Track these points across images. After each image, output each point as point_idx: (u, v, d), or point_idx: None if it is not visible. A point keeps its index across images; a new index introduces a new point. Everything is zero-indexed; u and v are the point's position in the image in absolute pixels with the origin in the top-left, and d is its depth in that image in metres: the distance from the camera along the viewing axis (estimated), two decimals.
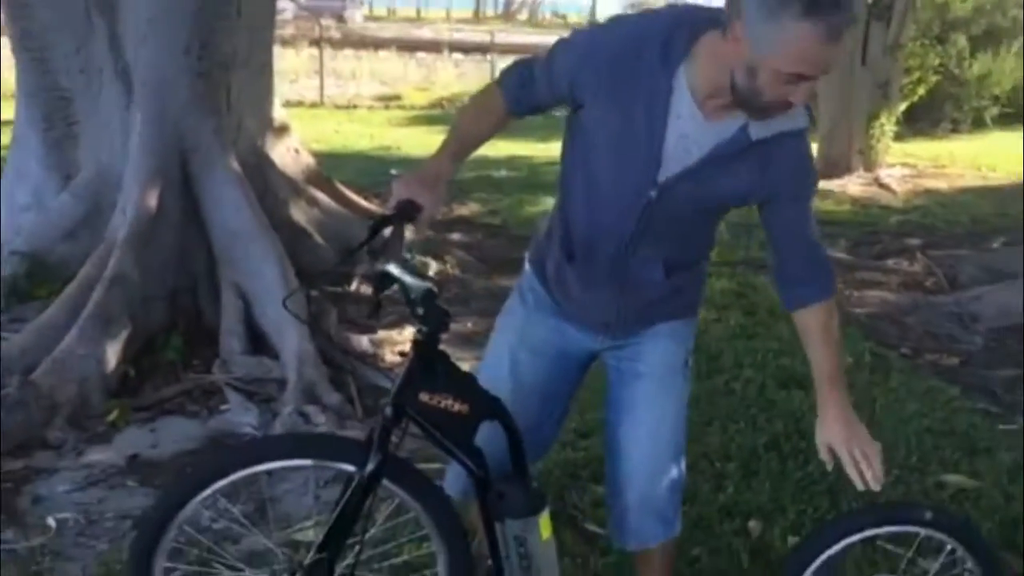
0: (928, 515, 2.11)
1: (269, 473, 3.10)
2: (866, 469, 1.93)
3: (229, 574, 2.30)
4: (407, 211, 1.83)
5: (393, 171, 2.33)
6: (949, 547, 2.09)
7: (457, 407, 1.89)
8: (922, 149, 11.52)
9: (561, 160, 2.08)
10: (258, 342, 4.17)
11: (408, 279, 1.78)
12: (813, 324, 1.99)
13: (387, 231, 1.82)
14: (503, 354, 2.20)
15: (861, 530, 2.11)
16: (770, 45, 1.66)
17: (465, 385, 1.93)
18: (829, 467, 1.98)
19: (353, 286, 5.13)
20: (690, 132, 1.87)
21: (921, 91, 11.38)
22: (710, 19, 1.81)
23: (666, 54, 1.82)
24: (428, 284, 1.79)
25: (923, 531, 2.13)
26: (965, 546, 2.12)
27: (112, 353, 3.81)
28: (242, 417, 3.67)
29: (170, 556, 2.01)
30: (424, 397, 1.89)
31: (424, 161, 2.01)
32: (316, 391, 3.79)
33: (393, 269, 1.79)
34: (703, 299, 2.25)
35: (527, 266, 2.25)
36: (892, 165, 10.21)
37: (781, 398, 3.93)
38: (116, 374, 3.82)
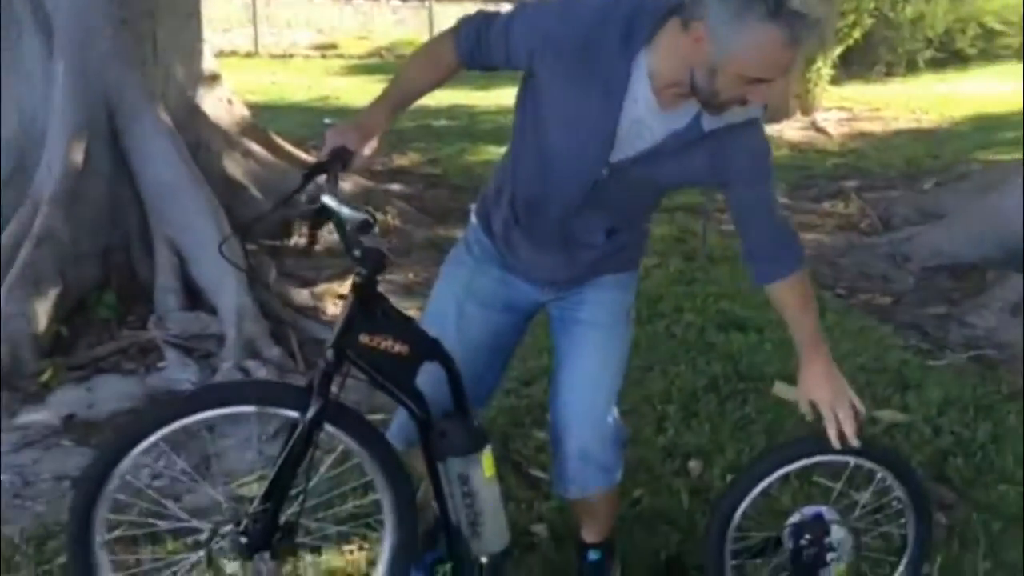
0: (857, 444, 2.18)
1: (211, 428, 3.10)
2: (847, 428, 2.01)
3: (173, 526, 2.29)
4: (341, 157, 1.85)
5: (327, 120, 2.30)
6: (879, 476, 2.15)
7: (397, 348, 1.90)
8: (857, 93, 11.66)
9: (514, 120, 2.06)
10: (195, 298, 4.10)
11: (344, 210, 1.79)
12: (787, 296, 2.04)
13: (321, 179, 1.84)
14: (448, 305, 2.21)
15: (793, 461, 2.17)
16: (732, 47, 1.68)
17: (405, 327, 1.93)
18: (810, 419, 2.06)
19: (292, 240, 5.07)
20: (644, 118, 1.89)
21: (856, 34, 11.48)
22: (672, 8, 1.80)
23: (627, 39, 1.83)
24: (364, 215, 1.79)
25: (852, 460, 2.19)
26: (894, 474, 2.19)
27: (43, 312, 3.73)
28: (180, 374, 3.62)
29: (113, 511, 1.99)
30: (364, 339, 1.89)
31: (361, 110, 2.01)
32: (256, 346, 3.75)
33: (329, 200, 1.79)
34: (644, 253, 2.27)
35: (473, 219, 2.25)
36: (828, 109, 10.32)
37: (720, 341, 3.99)
38: (48, 333, 3.74)
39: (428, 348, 1.96)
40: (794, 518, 2.22)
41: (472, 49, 2.01)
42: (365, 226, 1.79)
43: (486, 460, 1.99)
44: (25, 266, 3.77)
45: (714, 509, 2.23)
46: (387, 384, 1.94)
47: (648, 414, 3.34)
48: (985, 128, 9.46)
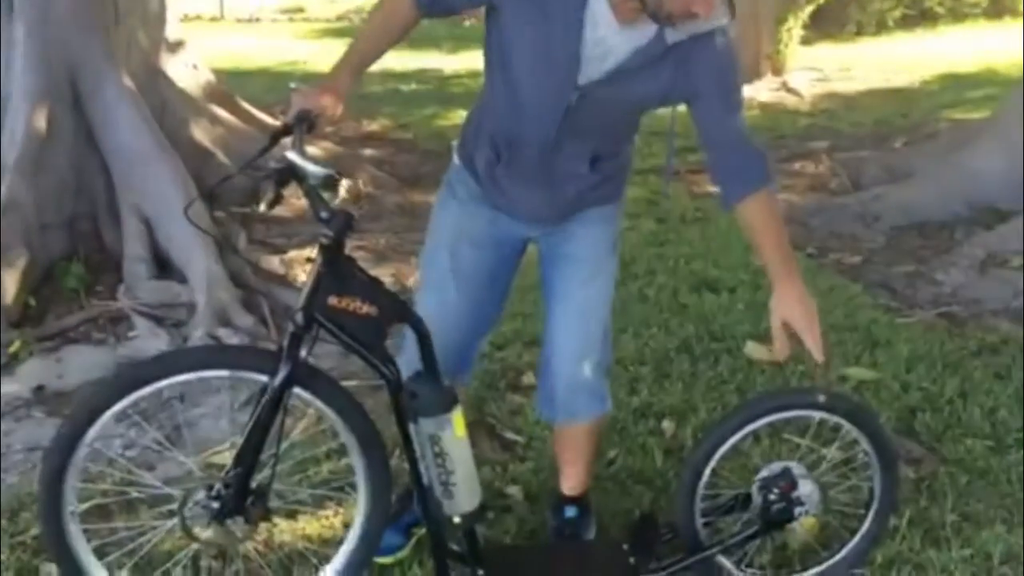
0: (821, 398, 2.21)
1: (182, 398, 3.09)
2: (819, 346, 2.04)
3: (146, 494, 2.29)
4: (307, 119, 1.87)
5: (293, 84, 2.27)
6: (845, 430, 2.18)
7: (366, 310, 1.90)
8: (828, 53, 11.66)
9: (484, 59, 2.08)
10: (164, 266, 4.06)
11: (309, 166, 1.78)
12: (756, 216, 2.02)
13: (288, 141, 1.84)
14: (442, 251, 2.25)
15: (760, 417, 2.20)
16: None
17: (373, 288, 1.94)
18: (778, 346, 2.05)
19: (261, 207, 5.01)
20: (606, 37, 1.88)
21: None
22: None
23: None
24: (329, 171, 1.78)
25: (818, 414, 2.23)
26: (859, 428, 2.22)
27: (10, 283, 3.67)
28: (151, 343, 3.59)
29: (84, 480, 1.98)
30: (333, 301, 1.89)
31: (326, 74, 2.02)
32: (227, 314, 3.72)
33: (294, 156, 1.79)
34: (629, 178, 2.30)
35: (456, 160, 2.26)
36: (799, 70, 10.32)
37: (693, 302, 4.01)
38: (16, 304, 3.69)
39: (397, 309, 1.97)
40: (762, 473, 2.25)
41: None
42: (330, 182, 1.79)
43: (457, 420, 2.00)
44: None
45: (683, 467, 2.26)
46: (356, 346, 1.94)
47: (621, 375, 3.35)
48: (954, 87, 9.50)
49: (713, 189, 6.14)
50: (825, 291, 4.17)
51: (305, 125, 1.88)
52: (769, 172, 2.04)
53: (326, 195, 1.84)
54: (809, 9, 10.55)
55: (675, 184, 5.99)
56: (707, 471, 2.20)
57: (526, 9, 1.90)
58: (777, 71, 9.97)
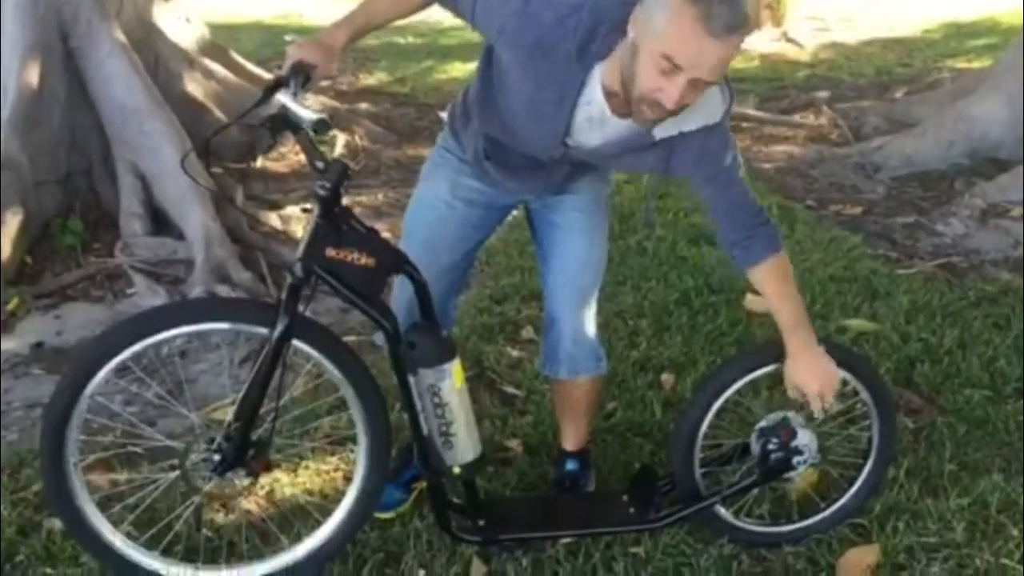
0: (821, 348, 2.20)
1: (183, 353, 3.09)
2: (828, 403, 2.07)
3: (147, 446, 2.30)
4: (302, 72, 1.86)
5: (288, 37, 2.24)
6: (842, 378, 2.19)
7: (364, 260, 1.90)
8: (829, 2, 11.50)
9: (481, 58, 2.03)
10: (161, 222, 4.04)
11: (301, 111, 1.77)
12: (767, 279, 2.03)
13: (281, 93, 1.83)
14: (434, 202, 2.23)
15: (758, 367, 2.20)
16: (652, 22, 1.66)
17: (370, 239, 1.93)
18: (815, 408, 2.09)
19: (258, 162, 4.98)
20: (596, 117, 1.90)
21: None
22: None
23: (584, 50, 1.81)
24: (320, 115, 1.77)
25: None
26: (858, 378, 2.23)
27: (6, 240, 3.65)
28: (149, 300, 3.58)
29: (86, 434, 1.99)
30: (331, 252, 1.88)
31: (324, 28, 2.02)
32: (225, 270, 3.70)
33: (285, 100, 1.78)
34: None
35: (447, 130, 2.24)
36: (800, 19, 10.19)
37: (692, 255, 4.00)
38: (13, 262, 3.67)
39: (394, 260, 1.96)
40: (761, 424, 2.26)
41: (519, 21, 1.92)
42: (322, 126, 1.77)
43: (455, 370, 2.01)
44: None
45: (682, 416, 2.27)
46: (354, 297, 1.94)
47: (620, 328, 3.35)
48: (956, 36, 9.40)
49: None
50: (825, 242, 4.16)
51: (301, 77, 1.87)
52: (777, 240, 2.02)
53: (323, 149, 1.83)
54: None
55: None
56: (705, 422, 2.20)
57: (523, 72, 1.88)
58: (777, 21, 9.84)
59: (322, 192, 1.85)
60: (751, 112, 6.55)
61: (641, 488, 2.33)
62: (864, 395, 2.25)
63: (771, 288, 2.04)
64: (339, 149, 5.34)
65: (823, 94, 7.00)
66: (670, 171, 1.96)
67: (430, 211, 2.24)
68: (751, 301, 3.52)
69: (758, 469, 2.26)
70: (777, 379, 2.20)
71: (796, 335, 2.05)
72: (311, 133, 1.79)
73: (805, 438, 2.24)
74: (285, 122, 1.81)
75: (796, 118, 6.47)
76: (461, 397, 2.03)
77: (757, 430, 2.27)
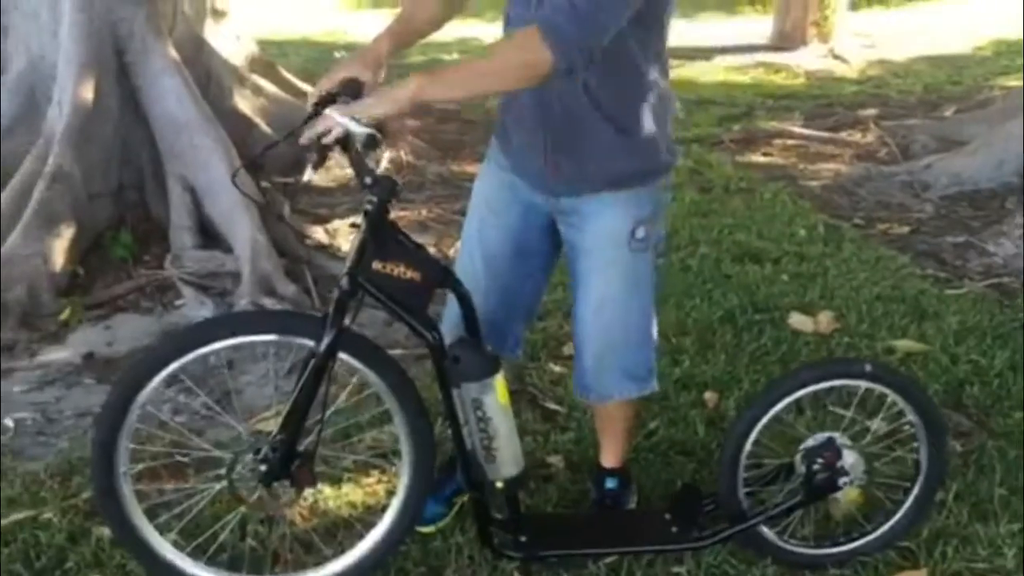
0: (867, 368, 2.18)
1: (230, 364, 3.14)
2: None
3: (195, 457, 2.33)
4: (349, 87, 1.89)
5: (337, 54, 2.29)
6: (890, 400, 2.16)
7: (409, 274, 1.92)
8: (878, 19, 11.40)
9: None
10: (210, 235, 4.10)
11: (351, 125, 1.77)
12: (511, 36, 1.88)
13: (331, 108, 1.84)
14: (473, 219, 2.26)
15: (804, 386, 2.18)
16: None
17: (416, 253, 1.95)
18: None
19: (307, 172, 5.04)
20: None
21: None
22: None
23: None
24: (371, 130, 1.77)
25: (863, 384, 2.20)
26: (905, 398, 2.20)
27: (59, 252, 3.74)
28: (197, 311, 3.64)
29: (135, 443, 2.03)
30: (377, 266, 1.90)
31: (365, 44, 2.04)
32: (271, 283, 3.75)
33: (335, 114, 1.78)
34: (656, 170, 2.12)
35: (493, 137, 2.27)
36: (847, 36, 10.10)
37: (736, 272, 3.97)
38: (65, 273, 3.75)
39: (440, 274, 1.98)
40: (806, 443, 2.23)
41: None
42: (372, 141, 1.78)
43: (499, 385, 2.01)
44: (39, 205, 3.77)
45: (726, 436, 2.25)
46: (400, 311, 1.96)
47: (663, 346, 3.33)
48: (1007, 53, 9.25)
49: (756, 158, 6.07)
50: (872, 261, 4.11)
51: (349, 93, 1.89)
52: (560, 33, 1.73)
53: (370, 163, 1.85)
54: None
55: (719, 154, 5.92)
56: (750, 441, 2.18)
57: None
58: (824, 38, 9.77)
59: (370, 207, 1.87)
60: (797, 129, 6.50)
61: (684, 506, 2.31)
62: (912, 416, 2.22)
63: (500, 42, 1.88)
64: (384, 164, 5.39)
65: (871, 112, 6.93)
66: None
67: (469, 229, 2.27)
68: (796, 321, 3.49)
69: (803, 489, 2.23)
70: (822, 399, 2.18)
71: (433, 72, 1.80)
72: (360, 148, 1.80)
73: (850, 459, 2.21)
74: (336, 141, 1.82)
75: (843, 136, 6.41)
76: (505, 412, 2.04)
77: (802, 450, 2.24)
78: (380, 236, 1.90)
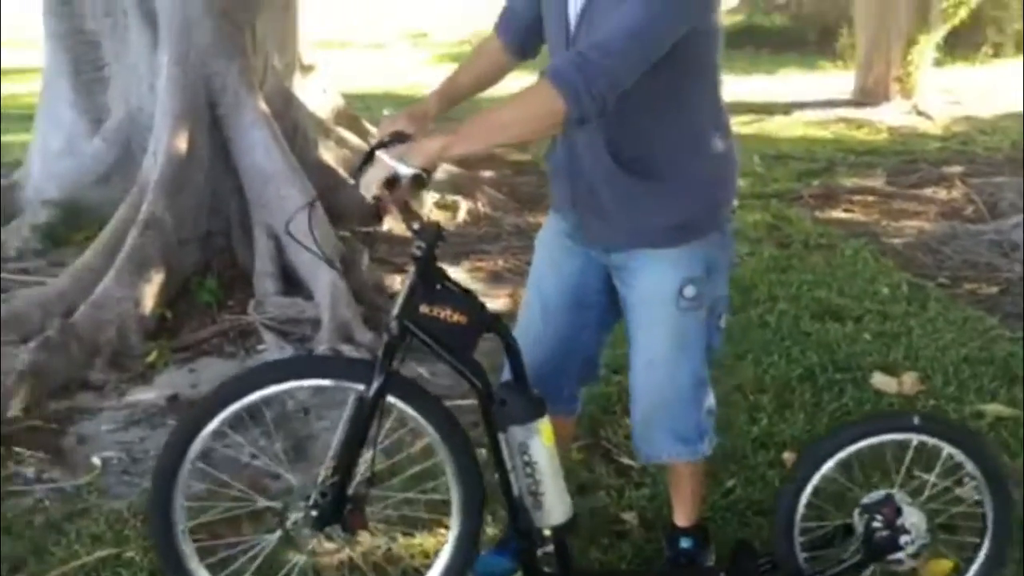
0: (916, 420, 2.11)
1: (306, 411, 3.17)
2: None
3: (249, 509, 2.35)
4: (400, 140, 1.96)
5: (385, 111, 2.39)
6: (946, 453, 2.08)
7: (456, 318, 1.94)
8: (963, 75, 11.22)
9: None
10: (292, 282, 4.20)
11: (400, 167, 1.80)
12: (530, 86, 1.82)
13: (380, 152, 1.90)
14: (535, 266, 2.29)
15: (851, 444, 2.12)
16: None
17: (464, 298, 1.98)
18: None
19: (385, 226, 5.14)
20: None
21: (962, 14, 11.02)
22: None
23: None
24: (417, 170, 1.80)
25: (915, 437, 2.12)
26: (960, 448, 2.11)
27: (149, 296, 3.86)
28: (278, 356, 3.70)
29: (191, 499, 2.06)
30: (424, 309, 1.94)
31: (416, 101, 2.15)
32: (350, 329, 3.81)
33: (383, 156, 1.83)
34: (702, 226, 2.05)
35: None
36: (931, 92, 9.95)
37: (816, 330, 3.90)
38: (153, 316, 3.88)
39: (486, 319, 1.99)
40: (864, 500, 2.17)
41: (505, 23, 2.14)
42: (418, 181, 1.82)
43: (545, 428, 2.01)
44: (132, 251, 3.92)
45: (779, 495, 2.19)
46: (446, 354, 1.98)
47: (740, 403, 3.29)
48: None
49: (837, 214, 5.97)
50: (959, 322, 4.00)
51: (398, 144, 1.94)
52: (567, 78, 1.73)
53: (448, 213, 1.89)
54: (943, 31, 10.18)
55: (799, 209, 5.86)
56: (802, 501, 2.14)
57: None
58: (907, 94, 9.65)
59: (418, 252, 1.91)
60: (879, 186, 6.40)
61: (740, 565, 2.25)
62: (970, 467, 2.13)
63: (517, 93, 1.83)
64: (462, 215, 5.47)
65: (956, 169, 6.79)
66: None
67: (530, 281, 2.28)
68: (879, 381, 3.41)
69: (863, 549, 2.16)
70: (879, 454, 2.11)
71: (458, 128, 1.82)
72: (407, 187, 1.83)
73: (912, 516, 2.13)
74: (384, 182, 1.84)
75: (927, 193, 6.29)
76: (551, 456, 2.03)
77: (860, 507, 2.17)
78: (428, 280, 1.94)
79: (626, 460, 2.98)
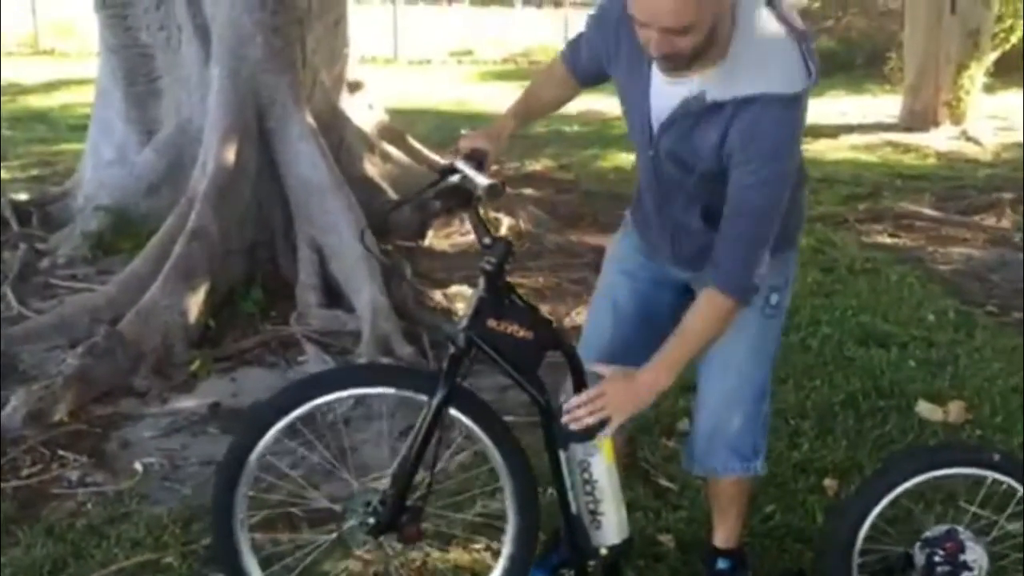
0: (996, 457, 2.06)
1: (346, 422, 3.20)
2: (586, 411, 1.94)
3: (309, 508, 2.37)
4: (475, 157, 1.99)
5: (464, 131, 2.43)
6: (1020, 495, 2.03)
7: (522, 333, 1.96)
8: (1013, 101, 11.05)
9: None
10: (334, 295, 4.24)
11: (476, 176, 1.88)
12: (703, 306, 1.95)
13: (455, 177, 1.97)
14: (605, 282, 2.32)
15: (925, 471, 2.08)
16: None
17: (530, 314, 2.00)
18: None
19: (427, 241, 5.17)
20: (662, 91, 1.92)
21: (1014, 39, 10.87)
22: None
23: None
24: (492, 180, 1.86)
25: (990, 474, 2.07)
26: None
27: (194, 305, 3.91)
28: (318, 368, 3.73)
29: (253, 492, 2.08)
30: (492, 324, 1.95)
31: (495, 118, 2.20)
32: (390, 343, 3.83)
33: (459, 163, 1.91)
34: (789, 243, 2.16)
35: (628, 212, 2.34)
36: (981, 118, 9.82)
37: (860, 355, 3.85)
38: (198, 325, 3.92)
39: (552, 336, 2.01)
40: (926, 533, 2.12)
41: (574, 62, 2.17)
42: (494, 191, 1.88)
43: (606, 446, 2.01)
44: (179, 260, 3.97)
45: (840, 518, 2.16)
46: (510, 369, 1.99)
47: (781, 428, 3.24)
48: None
49: (883, 239, 5.90)
50: (1008, 351, 3.93)
51: (474, 162, 1.99)
52: (736, 287, 1.91)
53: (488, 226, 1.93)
54: (993, 56, 10.05)
55: (844, 232, 5.80)
56: (866, 525, 2.10)
57: (619, 69, 2.01)
58: (957, 119, 9.53)
59: (488, 267, 1.93)
60: (927, 211, 6.32)
61: None
62: None
63: (697, 314, 1.95)
64: (503, 231, 5.48)
65: (1006, 195, 6.68)
66: (728, 146, 1.85)
67: (601, 291, 2.32)
68: (924, 409, 3.35)
69: None
70: (946, 486, 2.07)
71: (667, 356, 1.95)
72: (484, 199, 1.90)
73: (975, 554, 2.08)
74: (457, 193, 1.93)
75: (976, 219, 6.20)
76: (611, 475, 2.03)
77: (922, 540, 2.13)
78: (496, 295, 1.95)
79: (664, 482, 2.95)
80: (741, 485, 2.34)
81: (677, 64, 1.81)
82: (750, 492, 2.42)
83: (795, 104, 1.83)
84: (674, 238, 2.14)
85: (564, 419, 1.96)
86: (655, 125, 1.96)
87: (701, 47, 1.78)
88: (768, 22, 1.83)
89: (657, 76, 1.92)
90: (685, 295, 2.25)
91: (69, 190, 5.28)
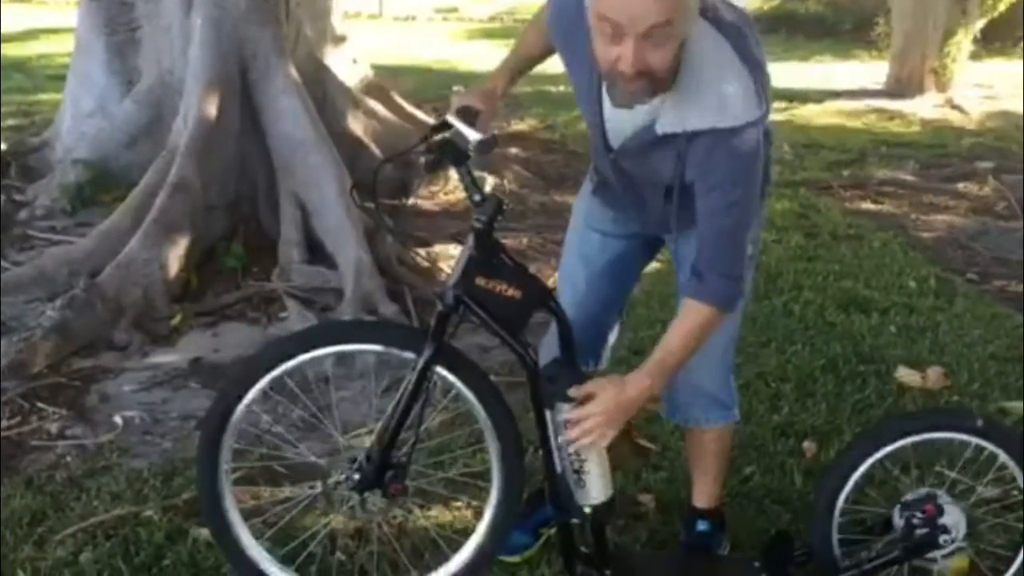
0: (979, 423, 2.09)
1: (327, 380, 3.19)
2: (578, 429, 1.93)
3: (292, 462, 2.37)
4: (466, 115, 1.96)
5: (455, 87, 2.40)
6: (1001, 461, 2.05)
7: (511, 292, 1.95)
8: (999, 69, 11.05)
9: None
10: (316, 252, 4.20)
11: (468, 130, 1.86)
12: (685, 316, 1.93)
13: (447, 132, 1.95)
14: (574, 237, 2.31)
15: (907, 435, 2.11)
16: None
17: (519, 272, 1.98)
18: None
19: (410, 200, 5.13)
20: (615, 116, 1.90)
21: (1002, 7, 10.84)
22: None
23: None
24: (484, 135, 1.85)
25: (972, 440, 2.10)
26: (1017, 461, 2.08)
27: (174, 259, 3.88)
28: (300, 325, 3.70)
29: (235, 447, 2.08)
30: (480, 282, 1.94)
31: (485, 76, 2.17)
32: (372, 301, 3.81)
33: (451, 119, 1.89)
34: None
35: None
36: (967, 86, 9.81)
37: (841, 320, 3.88)
38: (178, 280, 3.89)
39: (540, 295, 2.00)
40: (906, 497, 2.15)
41: (552, 19, 2.07)
42: (485, 145, 1.86)
43: None
44: (159, 214, 3.93)
45: (823, 480, 2.18)
46: (498, 328, 1.98)
47: (762, 391, 3.27)
48: None
49: (866, 206, 5.91)
50: (987, 318, 3.96)
51: (466, 120, 1.95)
52: (721, 298, 1.91)
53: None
54: (980, 23, 10.02)
55: (828, 199, 5.81)
56: (847, 488, 2.13)
57: (572, 68, 1.97)
58: (942, 87, 9.52)
59: (477, 224, 1.91)
60: (910, 178, 6.33)
61: (775, 555, 2.25)
62: (1020, 480, 2.11)
63: (680, 325, 1.93)
64: (487, 191, 5.45)
65: (989, 164, 6.70)
66: (686, 178, 1.86)
67: (571, 246, 2.32)
68: (903, 374, 3.38)
69: (900, 545, 2.14)
70: (926, 450, 2.09)
71: (653, 367, 1.93)
72: (475, 154, 1.88)
73: (953, 517, 2.11)
74: (449, 148, 1.91)
75: (959, 187, 6.22)
76: None
77: (901, 503, 2.16)
78: (485, 253, 1.94)
79: (643, 442, 2.96)
80: (723, 440, 2.37)
81: (643, 90, 1.71)
82: (729, 448, 2.45)
83: (750, 128, 1.79)
84: (639, 209, 2.13)
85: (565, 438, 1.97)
86: (611, 141, 1.96)
87: (668, 69, 1.71)
88: (719, 51, 1.77)
89: (607, 102, 1.88)
90: (656, 245, 2.30)
91: (48, 140, 5.19)
